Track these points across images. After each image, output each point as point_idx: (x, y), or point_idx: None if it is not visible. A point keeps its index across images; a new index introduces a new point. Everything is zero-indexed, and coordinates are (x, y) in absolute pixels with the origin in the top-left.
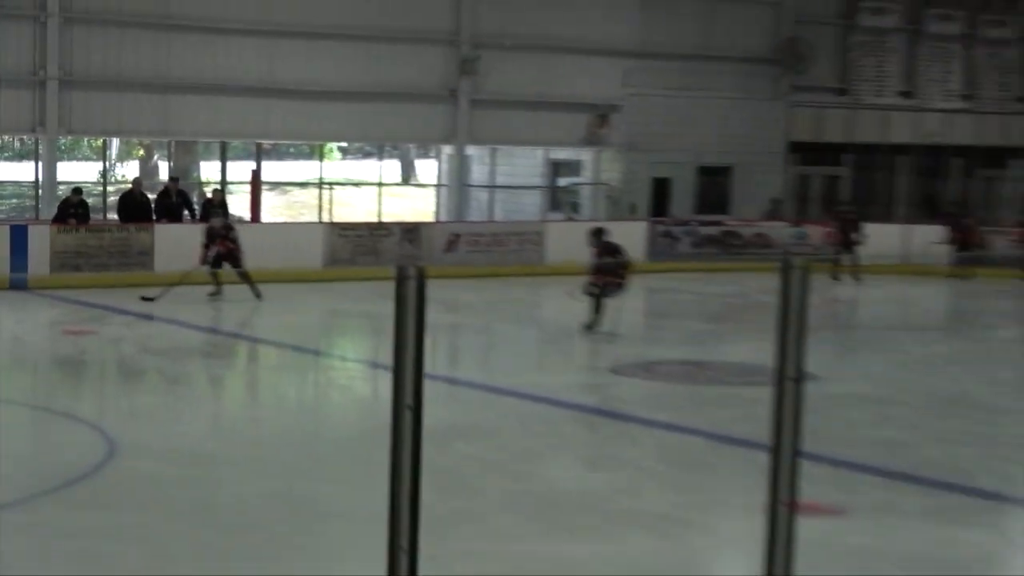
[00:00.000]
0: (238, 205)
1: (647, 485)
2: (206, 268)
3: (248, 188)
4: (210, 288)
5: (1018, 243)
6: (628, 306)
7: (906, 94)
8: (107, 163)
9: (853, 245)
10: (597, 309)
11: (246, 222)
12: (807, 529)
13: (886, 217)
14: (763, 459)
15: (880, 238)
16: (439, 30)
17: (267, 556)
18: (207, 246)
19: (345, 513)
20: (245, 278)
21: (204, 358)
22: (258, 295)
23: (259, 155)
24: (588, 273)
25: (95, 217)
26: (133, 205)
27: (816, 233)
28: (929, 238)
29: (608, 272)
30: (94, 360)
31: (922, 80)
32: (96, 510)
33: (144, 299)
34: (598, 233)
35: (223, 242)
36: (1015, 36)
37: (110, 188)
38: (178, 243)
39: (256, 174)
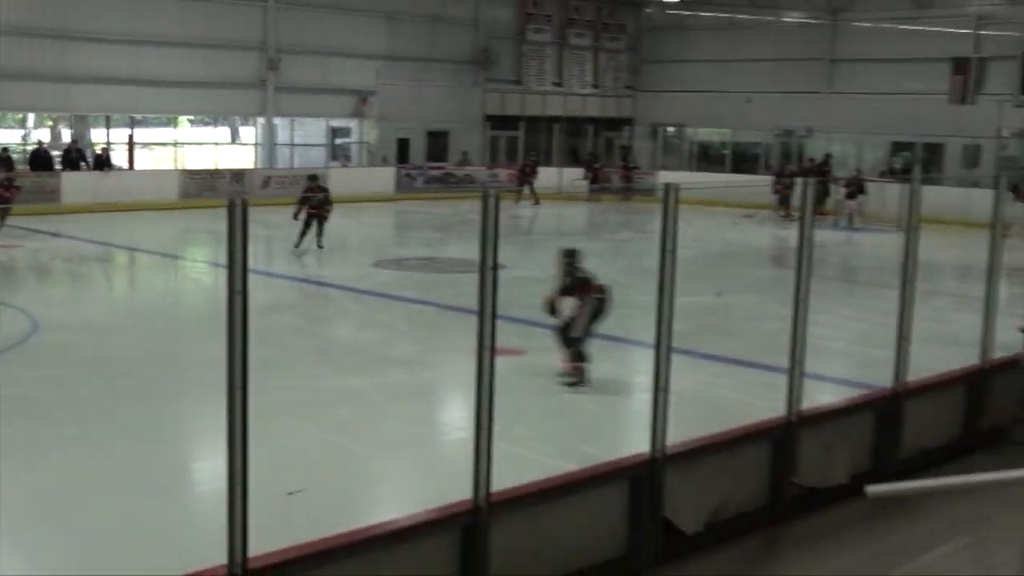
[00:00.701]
0: (119, 158)
1: (399, 339)
2: None
3: (126, 147)
4: None
5: (622, 178)
6: (384, 223)
7: (557, 84)
8: (26, 130)
9: (530, 182)
10: (303, 232)
11: (124, 169)
12: (502, 363)
13: (547, 163)
14: (473, 320)
15: (544, 177)
16: (254, 40)
17: (147, 395)
18: None
19: (198, 363)
20: (4, 214)
21: (98, 262)
22: None
23: (132, 125)
24: (296, 205)
25: (18, 167)
26: (41, 159)
27: (504, 174)
28: (573, 177)
29: (314, 206)
30: (21, 265)
31: (567, 75)
32: (25, 367)
33: None
34: (312, 178)
35: (7, 190)
36: (625, 47)
37: (28, 147)
38: (76, 184)
39: (131, 137)
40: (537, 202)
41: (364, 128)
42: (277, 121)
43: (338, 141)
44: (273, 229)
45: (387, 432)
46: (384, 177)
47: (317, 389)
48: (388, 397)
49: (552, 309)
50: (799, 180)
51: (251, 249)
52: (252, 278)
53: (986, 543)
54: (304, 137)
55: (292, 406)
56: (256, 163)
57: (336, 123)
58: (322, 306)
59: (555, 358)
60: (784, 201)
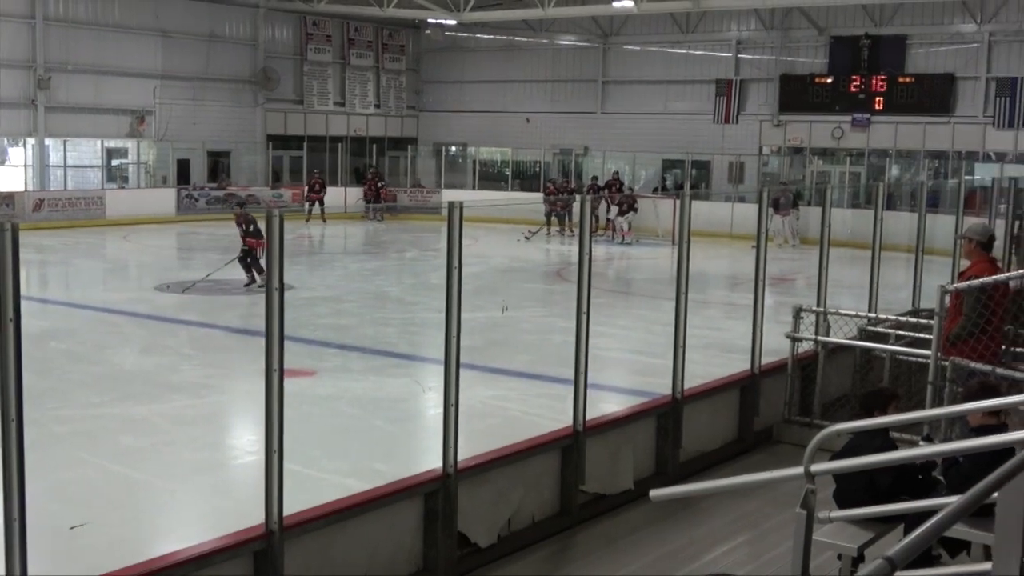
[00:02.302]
0: None
1: (184, 364)
2: None
3: None
4: None
5: (414, 196)
6: (166, 245)
7: (340, 104)
8: None
9: (320, 200)
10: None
11: None
12: (292, 385)
13: (333, 183)
14: (262, 342)
15: (330, 196)
16: (21, 58)
17: None
18: None
19: None
20: None
21: None
22: None
23: None
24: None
25: None
26: None
27: (288, 194)
28: (358, 196)
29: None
30: None
31: (349, 95)
32: None
33: None
34: (241, 205)
35: None
36: (406, 69)
37: None
38: None
39: None
40: (324, 220)
41: (142, 149)
42: (48, 142)
43: (115, 162)
44: (47, 253)
45: (174, 459)
46: (164, 198)
47: (98, 418)
48: (174, 423)
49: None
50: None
51: (23, 275)
52: (25, 305)
53: (763, 539)
54: (78, 158)
55: (72, 437)
56: (27, 186)
57: (112, 143)
58: (102, 332)
59: (345, 377)
60: (558, 217)
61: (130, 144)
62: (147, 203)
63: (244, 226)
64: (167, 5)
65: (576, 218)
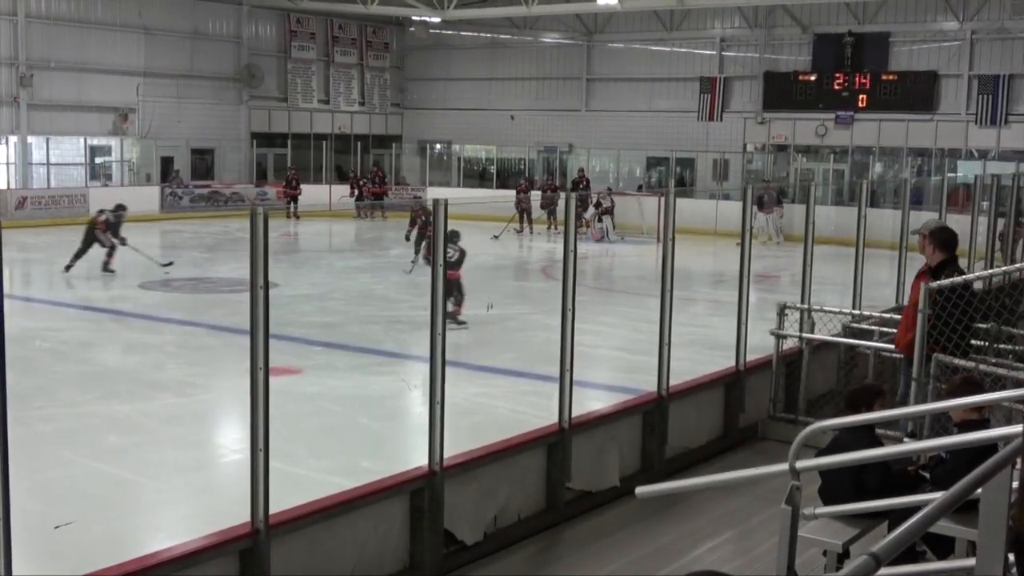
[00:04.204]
0: None
1: (169, 362)
2: None
3: None
4: None
5: (399, 194)
6: (150, 243)
7: (324, 101)
8: None
9: (294, 198)
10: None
11: None
12: (277, 383)
13: (317, 180)
14: (247, 340)
15: (313, 194)
16: (4, 56)
17: None
18: None
19: None
20: None
21: None
22: None
23: None
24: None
25: None
26: None
27: (273, 191)
28: (342, 194)
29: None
30: None
31: (334, 92)
32: None
33: None
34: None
35: None
36: (390, 66)
37: None
38: None
39: None
40: (297, 218)
41: (125, 146)
42: (31, 139)
43: (98, 160)
44: (31, 252)
45: (159, 458)
46: (148, 196)
47: (83, 416)
48: (159, 422)
49: None
50: (560, 195)
51: (7, 273)
52: (9, 304)
53: (748, 536)
54: (61, 156)
55: (56, 435)
56: (10, 184)
57: (95, 141)
58: (86, 331)
59: (330, 375)
60: (549, 213)
61: (113, 142)
62: (131, 201)
63: (424, 217)
64: (150, 2)
65: (561, 216)
